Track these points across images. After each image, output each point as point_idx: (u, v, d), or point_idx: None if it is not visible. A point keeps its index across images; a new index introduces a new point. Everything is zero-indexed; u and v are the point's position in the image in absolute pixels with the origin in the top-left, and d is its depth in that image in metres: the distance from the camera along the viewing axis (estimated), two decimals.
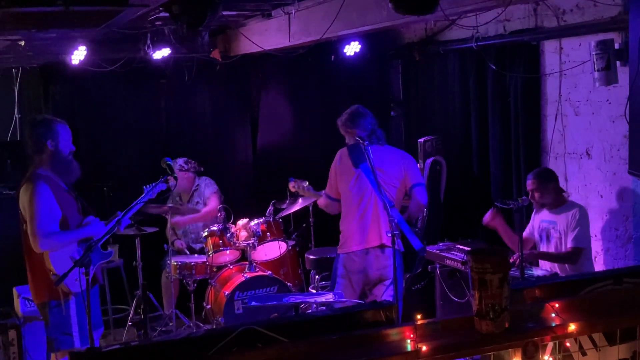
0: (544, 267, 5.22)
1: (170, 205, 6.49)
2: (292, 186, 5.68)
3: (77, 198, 4.60)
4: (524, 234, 5.41)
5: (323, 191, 5.38)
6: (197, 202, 6.82)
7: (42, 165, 4.45)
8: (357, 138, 4.93)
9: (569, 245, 5.02)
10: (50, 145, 4.45)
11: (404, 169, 5.13)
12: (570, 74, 5.72)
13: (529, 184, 5.18)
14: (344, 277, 5.07)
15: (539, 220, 5.29)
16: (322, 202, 5.40)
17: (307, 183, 5.58)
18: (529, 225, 5.42)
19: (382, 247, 4.98)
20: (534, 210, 5.37)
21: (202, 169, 6.88)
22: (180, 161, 6.70)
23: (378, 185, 4.70)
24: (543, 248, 5.25)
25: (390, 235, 4.45)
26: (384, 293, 4.98)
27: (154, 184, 4.79)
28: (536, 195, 5.14)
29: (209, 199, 6.79)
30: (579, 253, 5.00)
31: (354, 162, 5.03)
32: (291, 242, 6.66)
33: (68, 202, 4.49)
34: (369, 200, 5.02)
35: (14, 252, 4.56)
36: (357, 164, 5.01)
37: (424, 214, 6.28)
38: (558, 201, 5.18)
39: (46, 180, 4.39)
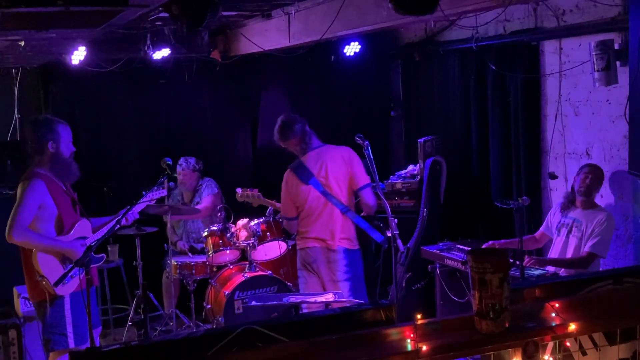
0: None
1: (170, 204, 6.49)
2: (239, 196, 5.81)
3: (74, 200, 4.59)
4: (542, 229, 5.41)
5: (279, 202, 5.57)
6: (197, 202, 6.83)
7: (42, 165, 4.46)
8: (358, 139, 4.94)
9: (586, 249, 4.95)
10: (51, 147, 4.45)
11: (349, 172, 5.26)
12: (570, 74, 5.72)
13: (588, 169, 5.12)
14: (302, 268, 5.32)
15: (563, 215, 5.22)
16: (284, 222, 5.58)
17: (257, 191, 5.72)
18: (546, 221, 5.40)
19: (335, 250, 5.24)
20: (557, 207, 5.32)
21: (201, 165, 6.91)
22: (192, 160, 6.76)
23: (330, 196, 5.12)
24: (559, 243, 5.18)
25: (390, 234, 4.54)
26: (342, 289, 5.18)
27: (153, 190, 4.78)
28: (590, 183, 5.07)
29: (204, 198, 6.80)
30: (592, 259, 4.94)
31: (302, 180, 5.23)
32: (291, 242, 6.64)
33: (65, 202, 4.49)
34: (323, 207, 5.21)
35: (14, 252, 4.57)
36: (306, 180, 5.21)
37: (425, 214, 6.28)
38: (592, 202, 5.14)
39: (44, 178, 4.39)
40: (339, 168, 5.22)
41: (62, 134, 4.51)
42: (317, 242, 5.24)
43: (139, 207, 4.74)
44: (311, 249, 5.26)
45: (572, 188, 5.21)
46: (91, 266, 4.52)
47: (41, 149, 4.47)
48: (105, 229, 4.56)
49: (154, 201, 4.95)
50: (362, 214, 5.30)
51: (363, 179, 5.25)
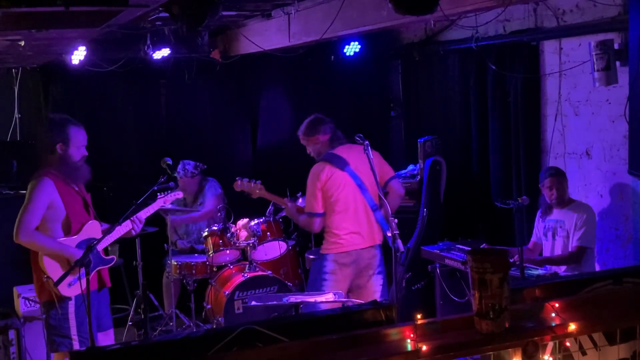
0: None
1: (171, 207, 6.49)
2: (237, 185, 5.54)
3: (86, 201, 4.55)
4: (533, 239, 5.45)
5: (286, 199, 5.45)
6: (201, 203, 6.82)
7: (51, 164, 4.43)
8: (357, 138, 4.91)
9: (574, 244, 5.04)
10: (59, 149, 4.41)
11: (378, 165, 5.19)
12: (570, 74, 5.72)
13: (549, 181, 5.18)
14: (334, 273, 5.15)
15: (546, 220, 5.30)
16: (303, 220, 5.34)
17: (260, 183, 5.50)
18: (534, 231, 5.44)
19: (374, 246, 5.19)
20: (538, 215, 5.38)
21: (205, 166, 6.87)
22: (190, 167, 6.68)
23: (365, 190, 5.01)
24: (548, 247, 5.25)
25: (390, 235, 4.52)
26: (374, 282, 5.19)
27: (166, 192, 4.77)
28: (556, 192, 5.15)
29: (208, 199, 6.78)
30: (583, 252, 5.02)
31: (338, 166, 5.14)
32: (291, 242, 6.65)
33: (74, 202, 4.46)
34: (359, 202, 5.14)
35: (14, 252, 4.56)
36: (342, 167, 5.12)
37: (425, 214, 6.29)
38: (568, 200, 5.21)
39: (53, 177, 4.37)
40: (367, 161, 5.21)
41: (73, 136, 4.45)
42: (357, 242, 5.12)
43: (147, 212, 4.72)
44: (351, 251, 5.13)
45: (545, 198, 5.28)
46: (101, 267, 4.53)
47: (50, 150, 4.43)
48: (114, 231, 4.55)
49: (168, 203, 4.93)
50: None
51: (390, 170, 5.34)
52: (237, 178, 5.60)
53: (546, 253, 5.29)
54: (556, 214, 5.24)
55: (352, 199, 5.13)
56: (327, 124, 5.32)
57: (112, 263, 4.65)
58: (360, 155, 5.12)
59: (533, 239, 5.47)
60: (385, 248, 5.24)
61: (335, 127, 5.34)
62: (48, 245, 4.34)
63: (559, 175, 5.21)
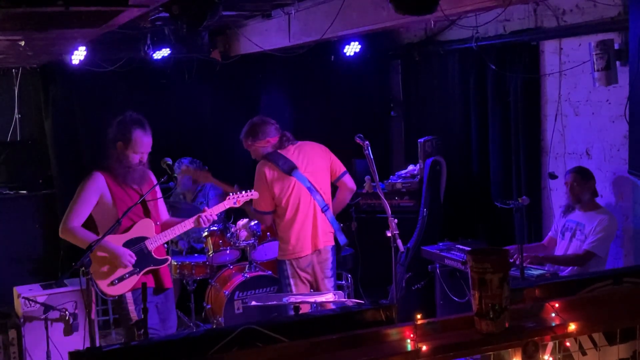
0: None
1: (170, 201, 6.49)
2: (183, 169, 5.84)
3: (144, 201, 4.50)
4: (550, 234, 5.42)
5: (235, 186, 5.41)
6: (201, 203, 6.81)
7: (109, 161, 4.49)
8: (358, 139, 4.89)
9: (584, 247, 4.97)
10: (118, 147, 4.48)
11: (329, 161, 5.26)
12: (570, 74, 5.72)
13: (569, 177, 5.17)
14: (294, 277, 5.17)
15: (566, 219, 5.26)
16: (255, 215, 5.39)
17: (207, 169, 5.62)
18: (553, 226, 5.42)
19: (319, 250, 5.18)
20: (562, 211, 5.36)
21: (206, 168, 6.87)
22: (186, 161, 6.72)
23: (315, 192, 5.05)
24: (562, 247, 5.20)
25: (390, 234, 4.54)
26: (329, 286, 5.22)
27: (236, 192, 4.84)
28: (576, 188, 5.12)
29: (212, 200, 6.78)
30: (589, 258, 4.94)
31: (284, 171, 5.10)
32: None
33: (127, 200, 4.45)
34: (308, 206, 5.13)
35: (14, 251, 4.55)
36: (289, 172, 5.09)
37: (425, 214, 6.29)
38: (592, 204, 5.15)
39: (105, 173, 4.42)
40: (322, 159, 5.22)
41: (135, 139, 4.51)
42: (308, 247, 5.13)
43: (215, 210, 4.75)
44: (304, 257, 5.14)
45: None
46: (154, 268, 4.51)
47: (112, 146, 4.52)
48: (176, 227, 4.57)
49: (240, 204, 4.98)
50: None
51: (342, 166, 5.32)
52: (183, 160, 5.85)
53: (559, 251, 5.23)
54: (578, 215, 5.16)
55: (301, 205, 5.12)
56: (274, 125, 5.26)
57: (167, 263, 4.63)
58: (311, 153, 5.16)
59: (550, 234, 5.42)
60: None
61: (280, 128, 5.29)
62: (86, 240, 4.29)
63: (575, 173, 5.16)
